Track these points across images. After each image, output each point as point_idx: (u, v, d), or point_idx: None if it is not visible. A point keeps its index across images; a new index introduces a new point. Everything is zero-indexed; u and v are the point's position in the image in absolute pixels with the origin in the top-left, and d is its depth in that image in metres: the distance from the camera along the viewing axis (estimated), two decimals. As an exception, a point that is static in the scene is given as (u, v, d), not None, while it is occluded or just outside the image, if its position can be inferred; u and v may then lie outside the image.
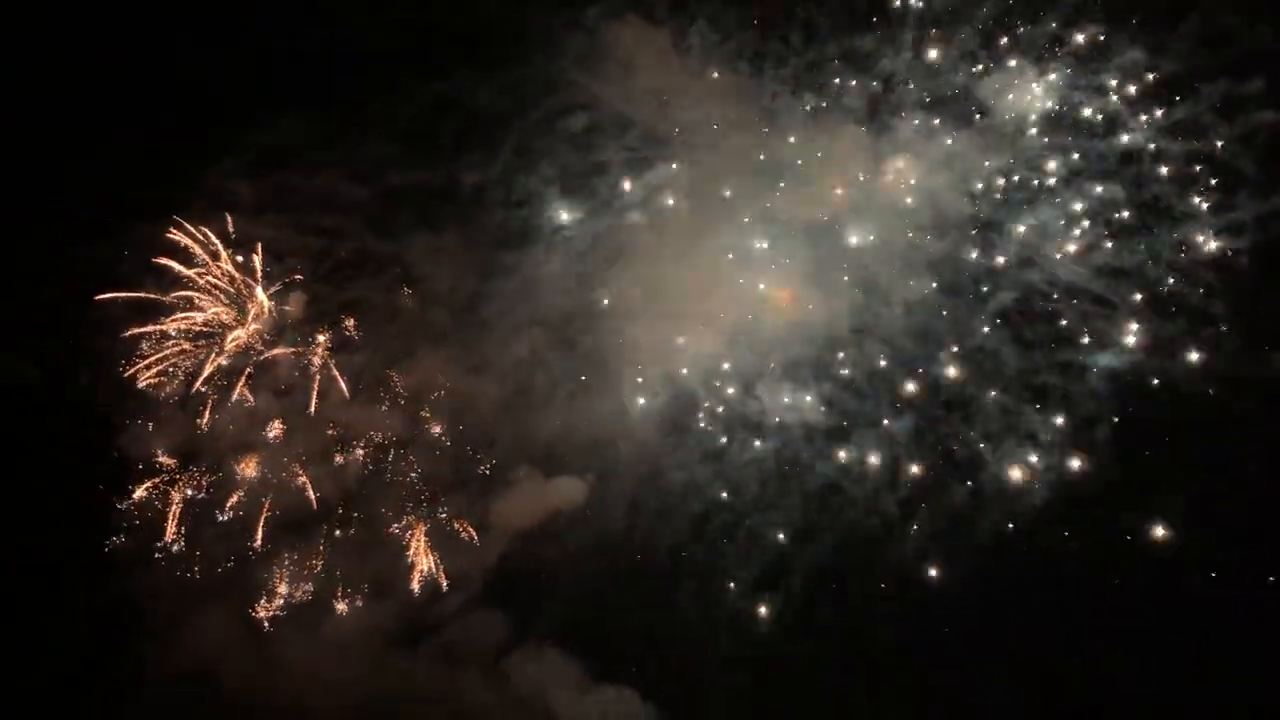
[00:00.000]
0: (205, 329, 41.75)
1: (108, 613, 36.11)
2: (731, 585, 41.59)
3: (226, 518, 40.49)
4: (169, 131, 42.35)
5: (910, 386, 42.74)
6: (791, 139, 44.98)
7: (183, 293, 41.62)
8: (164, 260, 41.17)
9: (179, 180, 42.51)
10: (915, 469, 41.76)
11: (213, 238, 42.01)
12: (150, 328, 40.85)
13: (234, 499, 40.70)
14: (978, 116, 43.77)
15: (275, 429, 41.89)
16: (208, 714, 36.03)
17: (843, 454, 42.42)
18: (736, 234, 44.82)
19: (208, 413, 41.04)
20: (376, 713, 37.55)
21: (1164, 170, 41.28)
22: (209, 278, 41.97)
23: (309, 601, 40.08)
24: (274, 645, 38.74)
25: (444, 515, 42.10)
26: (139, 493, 39.66)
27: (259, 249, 42.48)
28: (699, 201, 45.23)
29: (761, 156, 45.12)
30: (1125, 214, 41.59)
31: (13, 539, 35.42)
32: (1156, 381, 39.97)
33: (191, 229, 41.65)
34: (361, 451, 42.44)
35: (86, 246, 40.30)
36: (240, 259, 42.46)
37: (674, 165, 45.45)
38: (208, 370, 41.21)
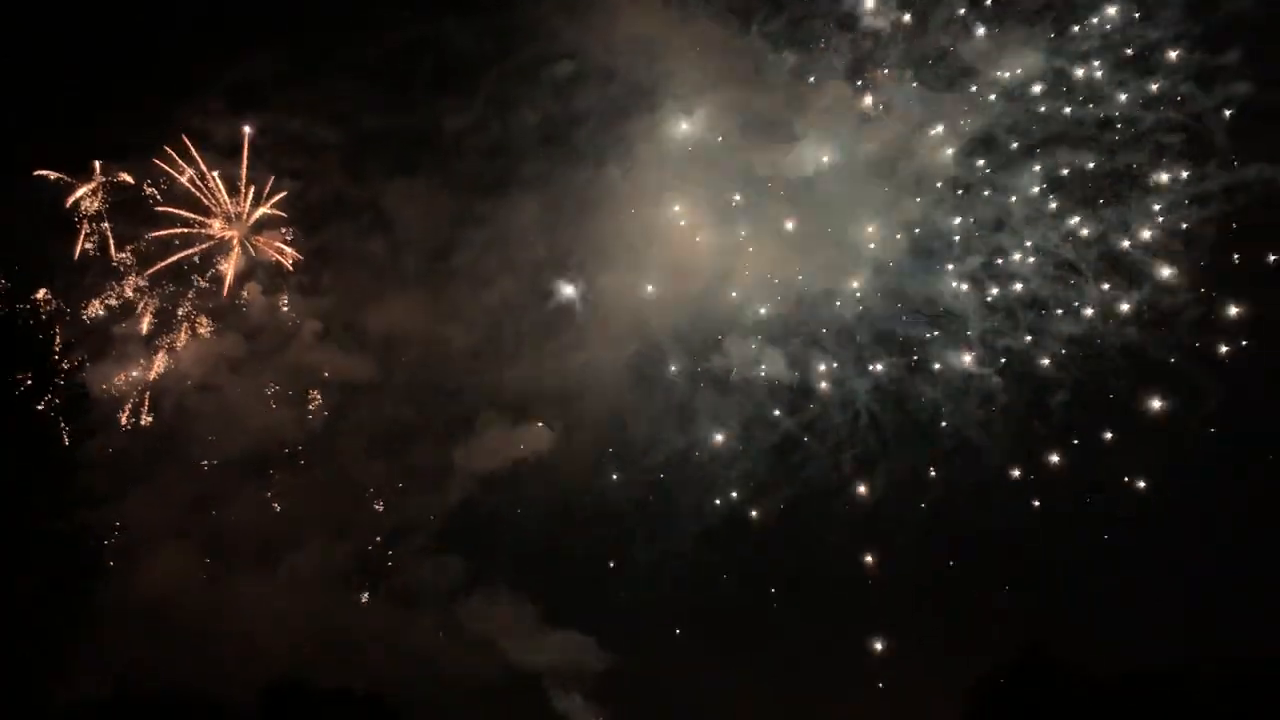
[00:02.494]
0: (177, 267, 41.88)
1: (62, 549, 35.95)
2: (688, 535, 42.00)
3: (189, 455, 40.87)
4: (143, 69, 41.69)
5: (876, 345, 42.91)
6: (775, 94, 44.37)
7: (156, 232, 41.80)
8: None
9: (152, 119, 42.01)
10: (875, 426, 42.11)
11: (180, 178, 42.05)
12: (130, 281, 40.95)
13: (197, 437, 41.07)
14: (960, 78, 43.28)
15: (242, 370, 42.21)
16: (163, 651, 36.20)
17: (806, 409, 42.63)
18: (713, 188, 44.45)
19: (166, 353, 41.31)
20: (329, 653, 37.89)
21: (1138, 139, 41.07)
22: (183, 213, 42.07)
23: (267, 541, 40.46)
24: (229, 584, 39.10)
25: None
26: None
27: (247, 189, 42.52)
28: (678, 154, 44.75)
29: (744, 111, 44.51)
30: (1098, 181, 41.46)
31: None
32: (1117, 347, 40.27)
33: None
34: (327, 394, 42.70)
35: (54, 185, 40.16)
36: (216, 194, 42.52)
37: (655, 117, 44.75)
38: (180, 310, 41.45)
